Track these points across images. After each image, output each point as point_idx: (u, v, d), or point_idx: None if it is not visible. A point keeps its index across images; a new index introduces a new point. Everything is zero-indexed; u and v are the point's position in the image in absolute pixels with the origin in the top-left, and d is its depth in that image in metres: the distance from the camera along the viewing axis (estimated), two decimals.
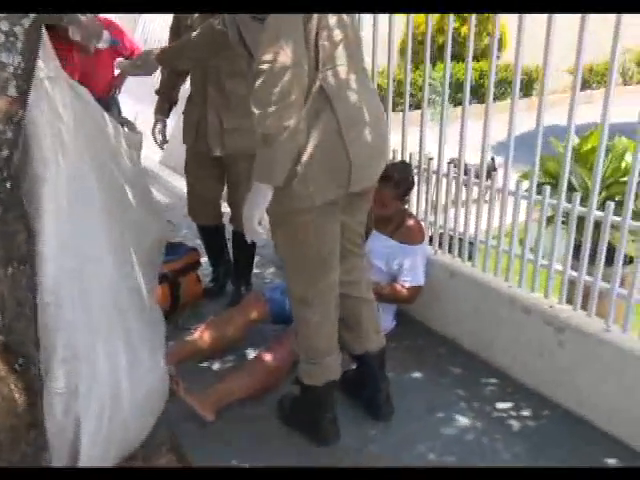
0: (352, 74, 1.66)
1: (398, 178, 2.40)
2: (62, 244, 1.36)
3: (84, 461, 1.52)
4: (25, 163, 1.28)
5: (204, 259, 3.05)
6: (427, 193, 2.62)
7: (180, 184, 4.31)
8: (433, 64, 6.61)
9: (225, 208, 2.90)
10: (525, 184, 2.24)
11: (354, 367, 2.16)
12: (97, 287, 1.51)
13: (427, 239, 2.58)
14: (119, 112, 3.83)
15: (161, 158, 5.33)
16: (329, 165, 1.66)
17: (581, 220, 2.05)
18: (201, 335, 2.38)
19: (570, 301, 2.13)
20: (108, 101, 3.81)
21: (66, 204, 1.36)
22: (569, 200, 2.08)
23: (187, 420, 2.09)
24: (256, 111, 1.46)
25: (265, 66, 1.42)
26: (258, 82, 1.45)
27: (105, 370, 1.54)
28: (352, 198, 1.80)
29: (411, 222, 2.50)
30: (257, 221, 1.61)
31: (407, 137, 2.68)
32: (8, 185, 1.11)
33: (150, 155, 5.17)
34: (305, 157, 1.61)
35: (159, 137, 2.85)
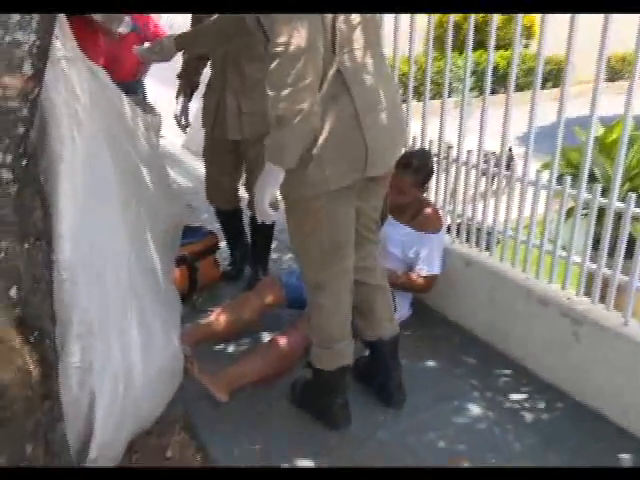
0: (369, 58, 1.65)
1: (417, 165, 2.39)
2: (78, 222, 1.39)
3: (98, 434, 1.56)
4: (42, 141, 1.31)
5: (223, 243, 3.08)
6: (446, 182, 2.59)
7: (202, 168, 4.34)
8: (459, 52, 6.53)
9: (243, 192, 2.92)
10: (546, 174, 2.20)
11: (367, 354, 2.16)
12: (112, 266, 1.54)
13: (445, 228, 2.56)
14: (144, 96, 3.88)
15: (183, 142, 5.38)
16: (346, 149, 1.65)
17: (602, 212, 2.01)
18: (217, 318, 2.41)
19: (588, 294, 2.09)
20: (135, 84, 3.86)
21: (82, 183, 1.39)
22: (590, 191, 2.04)
23: (200, 400, 2.12)
24: (270, 93, 1.46)
25: (280, 48, 1.42)
26: (273, 64, 1.45)
27: (119, 347, 1.57)
28: (367, 183, 1.80)
29: (429, 210, 2.48)
30: (268, 202, 1.61)
31: (428, 126, 2.66)
32: (24, 162, 1.14)
33: (172, 139, 5.23)
34: (321, 140, 1.61)
35: (182, 120, 2.87)
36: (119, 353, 1.57)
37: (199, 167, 4.47)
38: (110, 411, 1.58)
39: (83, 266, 1.43)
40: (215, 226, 3.10)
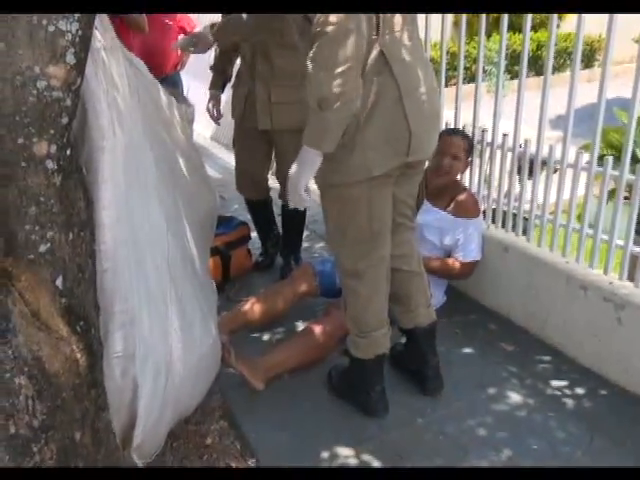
0: (409, 41, 1.62)
1: (463, 132, 2.39)
2: (119, 212, 1.40)
3: (142, 422, 1.58)
4: (83, 132, 1.32)
5: (254, 233, 3.09)
6: (480, 166, 2.55)
7: (231, 160, 4.35)
8: (488, 35, 6.42)
9: (273, 182, 2.92)
10: (585, 157, 2.14)
11: (404, 341, 2.15)
12: (152, 255, 1.55)
13: (482, 213, 2.52)
14: (182, 88, 3.92)
15: (212, 134, 5.40)
16: (390, 133, 1.63)
17: None
18: (251, 307, 2.41)
19: (631, 278, 2.04)
20: (174, 76, 3.90)
21: (122, 173, 1.40)
22: (633, 172, 1.98)
23: (238, 388, 2.14)
24: (314, 73, 1.43)
25: (327, 28, 1.38)
26: (317, 43, 1.41)
27: (160, 336, 1.58)
28: (405, 170, 1.77)
29: (466, 195, 2.44)
30: (303, 187, 1.59)
31: (460, 111, 2.62)
32: (68, 152, 1.15)
33: (201, 131, 5.24)
34: (364, 124, 1.58)
35: (214, 112, 2.88)
36: (160, 342, 1.59)
37: (228, 159, 4.49)
38: (152, 399, 1.59)
39: (124, 256, 1.44)
40: (246, 217, 3.11)
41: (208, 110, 2.87)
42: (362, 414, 1.98)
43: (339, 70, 1.41)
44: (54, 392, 1.15)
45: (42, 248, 1.15)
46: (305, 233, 3.07)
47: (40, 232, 1.14)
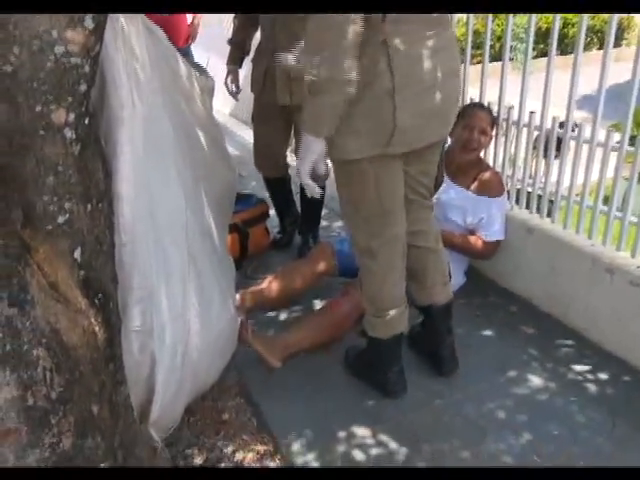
0: (426, 30, 1.54)
1: (487, 106, 2.39)
2: (138, 185, 1.38)
3: (159, 397, 1.57)
4: (102, 102, 1.29)
5: (272, 211, 3.06)
6: (505, 145, 2.48)
7: (250, 137, 4.31)
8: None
9: (292, 160, 2.88)
10: (616, 136, 2.07)
11: (420, 320, 2.12)
12: (170, 229, 1.52)
13: (505, 193, 2.46)
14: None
15: (231, 110, 5.35)
16: (372, 123, 1.57)
17: None
18: (269, 285, 2.40)
19: None
20: (185, 50, 3.85)
21: (141, 146, 1.37)
22: None
23: (254, 366, 2.13)
24: (305, 58, 1.39)
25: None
26: (308, 28, 1.37)
27: (178, 311, 1.57)
28: (416, 150, 1.72)
29: (489, 173, 2.39)
30: (307, 174, 1.57)
31: (486, 89, 2.55)
32: (86, 121, 1.12)
33: (220, 108, 5.20)
34: (350, 108, 1.51)
35: (232, 87, 2.83)
36: (178, 317, 1.57)
37: (248, 136, 4.44)
38: (170, 375, 1.59)
39: (143, 229, 1.42)
40: (264, 195, 3.08)
41: (226, 85, 2.82)
42: (379, 394, 1.97)
43: (326, 54, 1.36)
44: (72, 365, 1.14)
45: (60, 219, 1.13)
46: (324, 211, 3.03)
47: (58, 203, 1.11)
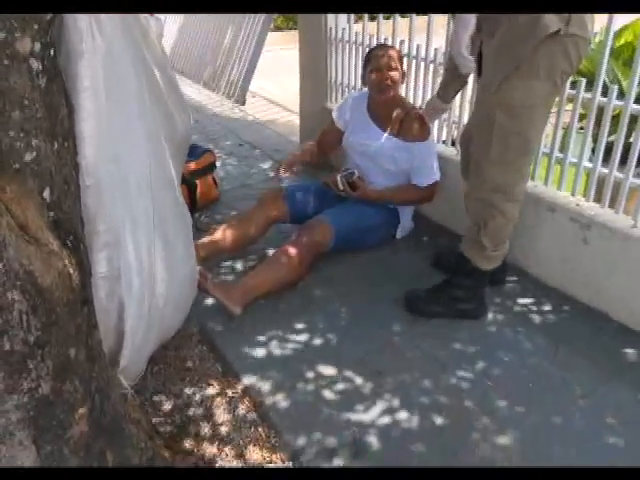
0: None
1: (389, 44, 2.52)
2: (100, 125, 1.32)
3: (128, 344, 1.56)
4: (60, 35, 1.22)
5: (219, 162, 3.01)
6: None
7: (186, 88, 4.16)
8: None
9: None
10: None
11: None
12: (134, 173, 1.48)
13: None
14: None
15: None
16: None
17: (615, 118, 2.00)
18: (223, 233, 2.39)
19: (598, 200, 2.12)
20: None
21: (102, 82, 1.31)
22: (605, 95, 2.02)
23: (215, 313, 2.13)
24: None
25: None
26: None
27: (144, 256, 1.54)
28: None
29: (413, 116, 2.30)
30: (465, 46, 1.68)
31: None
32: (51, 52, 1.06)
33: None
34: None
35: None
36: (144, 264, 1.55)
37: (185, 89, 4.29)
38: (138, 321, 1.57)
39: (107, 172, 1.37)
40: (208, 145, 3.02)
41: None
42: (339, 335, 2.03)
43: None
44: (48, 307, 1.11)
45: (28, 157, 1.07)
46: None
47: (25, 139, 1.05)
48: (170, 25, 4.61)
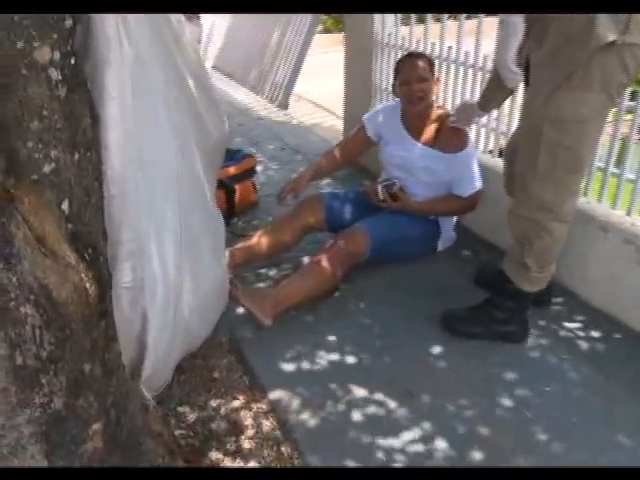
0: None
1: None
2: (126, 133, 1.29)
3: (151, 355, 1.53)
4: (87, 42, 1.20)
5: (260, 167, 2.98)
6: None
7: (234, 91, 4.17)
8: None
9: None
10: None
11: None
12: (161, 181, 1.45)
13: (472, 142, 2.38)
14: None
15: (214, 63, 5.16)
16: None
17: None
18: (258, 240, 2.35)
19: None
20: None
21: (130, 90, 1.28)
22: None
23: (244, 324, 2.09)
24: None
25: None
26: None
27: (169, 266, 1.51)
28: None
29: (450, 126, 2.28)
30: (512, 60, 1.58)
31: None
32: (72, 61, 1.03)
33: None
34: None
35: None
36: (170, 273, 1.52)
37: (230, 90, 4.30)
38: (162, 332, 1.54)
39: (132, 180, 1.35)
40: (251, 149, 2.99)
41: None
42: (369, 353, 1.95)
43: None
44: (62, 322, 1.09)
45: (46, 168, 1.05)
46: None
47: (44, 150, 1.03)
48: (218, 27, 4.62)
